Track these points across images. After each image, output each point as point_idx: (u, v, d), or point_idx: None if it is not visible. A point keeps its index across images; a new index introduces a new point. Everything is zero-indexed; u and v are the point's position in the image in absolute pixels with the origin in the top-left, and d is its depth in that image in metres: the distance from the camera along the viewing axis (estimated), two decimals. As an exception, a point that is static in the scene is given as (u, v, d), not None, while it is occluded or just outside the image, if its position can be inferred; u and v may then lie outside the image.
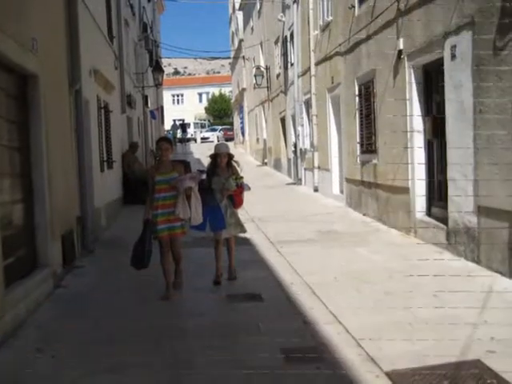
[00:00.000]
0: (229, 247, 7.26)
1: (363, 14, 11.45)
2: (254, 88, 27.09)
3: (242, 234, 7.52)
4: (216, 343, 5.02)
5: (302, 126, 18.26)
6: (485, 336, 4.73)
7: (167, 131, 44.24)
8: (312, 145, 16.99)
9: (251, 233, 9.28)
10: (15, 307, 5.62)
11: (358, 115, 12.24)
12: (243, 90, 35.67)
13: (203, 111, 68.53)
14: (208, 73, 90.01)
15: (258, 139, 30.83)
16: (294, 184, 19.23)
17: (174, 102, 70.13)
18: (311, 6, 16.18)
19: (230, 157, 7.12)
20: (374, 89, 11.02)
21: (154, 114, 27.60)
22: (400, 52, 9.41)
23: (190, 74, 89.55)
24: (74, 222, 8.51)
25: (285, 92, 21.34)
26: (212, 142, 41.71)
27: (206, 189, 6.88)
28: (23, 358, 4.89)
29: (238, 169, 7.18)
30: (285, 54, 20.88)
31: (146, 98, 23.25)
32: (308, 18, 16.46)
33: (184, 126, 50.30)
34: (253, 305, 6.20)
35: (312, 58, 16.35)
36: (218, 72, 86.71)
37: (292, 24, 18.90)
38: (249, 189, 7.35)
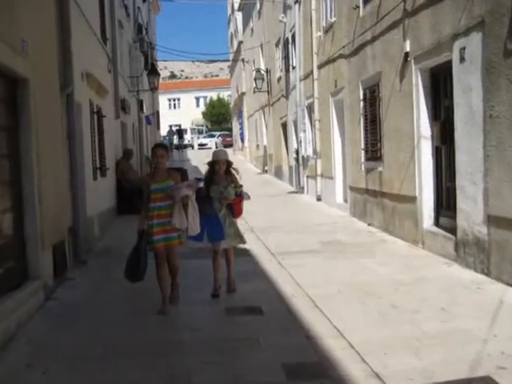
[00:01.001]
0: (227, 258, 7.28)
1: (368, 14, 11.52)
2: (254, 92, 27.16)
3: (241, 245, 7.54)
4: (214, 358, 5.03)
5: (304, 131, 18.29)
6: (495, 351, 4.75)
7: (163, 137, 44.36)
8: (314, 151, 17.03)
9: (251, 243, 9.30)
10: (5, 320, 5.65)
11: (362, 120, 12.29)
12: (243, 94, 35.75)
13: (201, 116, 68.71)
14: (206, 76, 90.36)
15: (258, 146, 30.87)
16: (296, 192, 19.26)
17: (170, 107, 70.40)
18: (314, 7, 16.25)
19: (229, 164, 7.14)
20: (380, 93, 11.08)
21: (150, 119, 27.71)
22: (406, 54, 9.46)
23: (186, 78, 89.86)
24: (65, 232, 8.51)
25: (286, 96, 21.40)
26: (210, 148, 41.79)
27: (204, 197, 6.89)
28: (14, 373, 4.91)
29: (238, 177, 7.19)
30: (286, 57, 20.95)
31: (140, 103, 23.32)
32: (310, 18, 16.54)
33: (181, 132, 50.45)
34: (253, 318, 6.21)
35: (314, 60, 16.40)
36: (217, 75, 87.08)
37: (294, 25, 18.96)
38: (248, 197, 7.36)
